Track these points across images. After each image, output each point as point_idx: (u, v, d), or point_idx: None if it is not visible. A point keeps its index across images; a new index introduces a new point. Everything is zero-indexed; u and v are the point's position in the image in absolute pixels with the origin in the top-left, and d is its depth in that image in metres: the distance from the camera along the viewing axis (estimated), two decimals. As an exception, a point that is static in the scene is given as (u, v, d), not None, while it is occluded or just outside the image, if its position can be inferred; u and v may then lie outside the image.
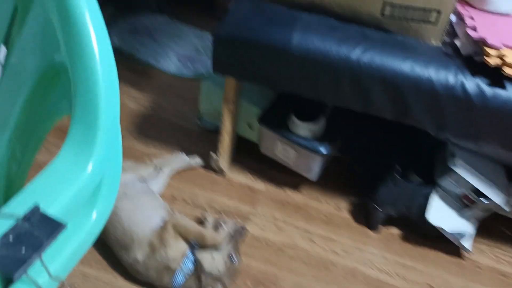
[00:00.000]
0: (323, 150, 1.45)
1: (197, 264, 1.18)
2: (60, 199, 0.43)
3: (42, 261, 0.42)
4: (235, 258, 1.24)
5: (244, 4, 1.38)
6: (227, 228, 1.23)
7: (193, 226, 1.22)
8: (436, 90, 1.22)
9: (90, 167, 0.46)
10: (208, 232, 1.20)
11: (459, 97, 1.21)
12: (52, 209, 0.42)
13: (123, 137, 1.66)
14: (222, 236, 1.21)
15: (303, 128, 1.46)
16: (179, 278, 1.18)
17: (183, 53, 2.17)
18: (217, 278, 1.19)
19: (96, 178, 0.47)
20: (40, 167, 1.53)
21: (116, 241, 1.22)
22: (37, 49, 0.53)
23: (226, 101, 1.46)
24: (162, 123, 1.77)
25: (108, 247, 1.26)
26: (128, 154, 1.61)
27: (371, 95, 1.28)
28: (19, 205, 0.41)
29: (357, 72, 1.24)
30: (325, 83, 1.29)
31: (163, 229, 1.20)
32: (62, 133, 1.63)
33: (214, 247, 1.19)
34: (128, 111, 1.80)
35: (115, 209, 1.24)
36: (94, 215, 0.50)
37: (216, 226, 1.24)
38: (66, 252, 0.47)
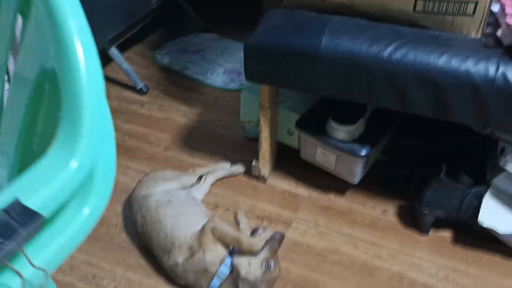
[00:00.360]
0: (362, 152, 1.42)
1: (234, 269, 1.20)
2: (41, 193, 0.47)
3: (23, 252, 0.45)
4: (272, 265, 1.23)
5: (276, 14, 1.41)
6: (265, 234, 1.24)
7: (230, 231, 1.24)
8: (475, 83, 1.16)
9: (74, 163, 0.49)
10: (245, 238, 1.21)
11: (501, 89, 1.14)
12: (32, 203, 0.46)
13: (170, 149, 1.77)
14: (259, 241, 1.21)
15: (340, 131, 1.44)
16: (216, 282, 1.20)
17: (229, 67, 2.24)
18: (253, 285, 1.19)
19: (81, 173, 0.50)
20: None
21: (159, 246, 1.27)
22: (34, 56, 0.58)
23: (262, 108, 1.48)
24: (208, 134, 1.83)
25: (152, 253, 1.32)
26: (175, 164, 1.68)
27: (406, 93, 1.24)
28: (0, 199, 0.46)
29: (390, 69, 1.22)
30: (359, 83, 1.27)
31: (202, 232, 1.23)
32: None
33: (251, 252, 1.20)
34: (176, 125, 1.88)
35: (159, 216, 1.31)
36: (86, 211, 0.54)
37: (254, 232, 1.25)
38: (54, 246, 0.51)
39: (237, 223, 1.39)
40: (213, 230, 1.22)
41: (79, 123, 0.51)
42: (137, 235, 1.39)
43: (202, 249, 1.21)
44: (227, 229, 1.24)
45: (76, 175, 0.51)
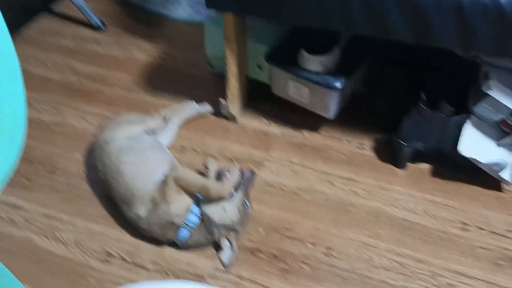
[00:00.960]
0: (337, 84, 1.32)
1: (205, 218, 1.12)
2: None
3: None
4: (247, 205, 1.17)
5: None
6: (232, 176, 1.15)
7: (195, 179, 1.14)
8: (460, 2, 1.04)
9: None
10: (212, 184, 1.13)
11: (488, 7, 1.03)
12: None
13: (132, 91, 1.64)
14: (227, 186, 1.13)
15: (313, 62, 1.33)
16: (184, 233, 1.13)
17: (194, -2, 2.05)
18: (230, 228, 1.13)
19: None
20: (49, 127, 1.54)
21: (119, 197, 1.18)
22: None
23: (228, 40, 1.35)
24: (173, 73, 1.70)
25: (113, 203, 1.23)
26: (138, 107, 1.56)
27: (385, 17, 1.12)
28: None
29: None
30: (331, 7, 1.15)
31: (164, 183, 1.13)
32: (71, 92, 1.59)
33: (220, 199, 1.12)
34: (137, 64, 1.73)
35: (118, 163, 1.20)
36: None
37: (219, 176, 1.17)
38: None
39: (206, 169, 1.29)
40: (176, 179, 1.12)
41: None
42: (99, 182, 1.29)
43: (165, 200, 1.11)
44: (192, 177, 1.15)
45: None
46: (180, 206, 1.12)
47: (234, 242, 1.14)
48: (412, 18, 1.11)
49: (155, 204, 1.12)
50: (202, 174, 1.22)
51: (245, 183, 1.17)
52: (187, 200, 1.13)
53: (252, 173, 1.19)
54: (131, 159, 1.21)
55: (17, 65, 0.46)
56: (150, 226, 1.13)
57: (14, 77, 0.46)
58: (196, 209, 1.13)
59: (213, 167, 1.26)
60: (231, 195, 1.13)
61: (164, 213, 1.11)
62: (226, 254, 1.14)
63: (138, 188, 1.15)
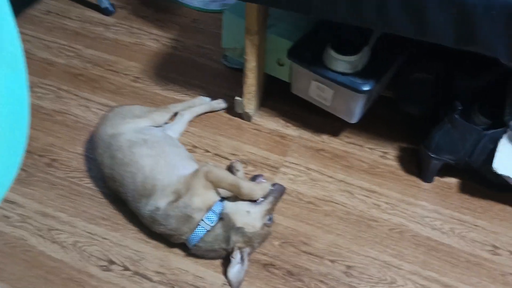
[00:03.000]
0: (365, 87, 1.21)
1: (226, 219, 1.03)
2: None
3: None
4: (272, 219, 1.10)
5: None
6: (266, 183, 1.08)
7: (228, 174, 1.09)
8: (512, 4, 0.94)
9: None
10: (244, 182, 1.07)
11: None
12: None
13: (140, 80, 1.52)
14: (260, 188, 1.06)
15: (341, 62, 1.22)
16: (199, 232, 1.04)
17: (210, -15, 1.94)
18: (249, 238, 1.04)
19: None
20: (49, 115, 1.43)
21: (135, 190, 1.09)
22: None
23: (249, 32, 1.24)
24: (184, 63, 1.59)
25: (120, 200, 1.13)
26: (146, 98, 1.46)
27: (427, 16, 1.02)
28: None
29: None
30: (370, 3, 1.04)
31: (193, 176, 1.06)
32: (75, 78, 1.48)
33: (250, 198, 1.05)
34: (147, 52, 1.62)
35: (134, 157, 1.11)
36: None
37: (254, 179, 1.10)
38: None
39: (235, 170, 1.23)
40: (208, 173, 1.05)
41: None
42: (103, 179, 1.19)
43: (189, 193, 1.04)
44: (224, 172, 1.09)
45: None
46: (204, 201, 1.05)
47: (246, 258, 1.04)
48: (455, 20, 1.01)
49: (177, 195, 1.05)
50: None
51: (275, 194, 1.08)
52: (212, 197, 1.06)
53: (283, 187, 1.11)
54: (147, 151, 1.13)
55: (20, 54, 0.36)
56: (167, 218, 1.04)
57: (16, 69, 0.36)
58: (218, 209, 1.05)
59: (239, 167, 1.22)
60: (260, 200, 1.06)
61: (184, 205, 1.03)
62: (234, 270, 1.04)
63: (159, 179, 1.07)
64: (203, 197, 1.05)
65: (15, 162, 0.37)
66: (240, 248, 1.04)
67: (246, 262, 1.04)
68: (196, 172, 1.07)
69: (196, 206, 1.03)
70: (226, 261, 1.07)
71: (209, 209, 1.05)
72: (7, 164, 0.36)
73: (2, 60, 0.35)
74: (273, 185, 1.09)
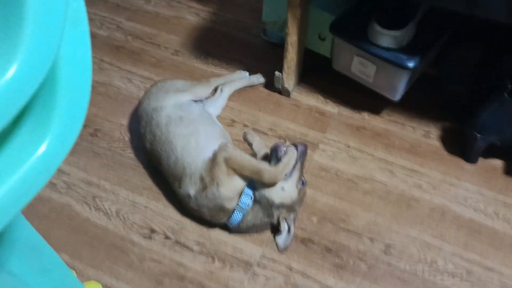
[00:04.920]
0: (410, 63, 1.18)
1: (263, 200, 1.03)
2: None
3: None
4: (305, 182, 1.09)
5: None
6: (288, 156, 1.04)
7: (248, 160, 1.02)
8: None
9: (12, 66, 0.28)
10: (266, 168, 1.01)
11: None
12: None
13: (180, 53, 1.53)
14: (281, 169, 1.01)
15: (386, 37, 1.18)
16: (237, 216, 1.04)
17: (249, -42, 1.91)
18: (290, 208, 1.05)
19: (26, 83, 0.29)
20: (93, 86, 1.45)
21: (169, 171, 1.09)
22: None
23: (291, 5, 1.22)
24: (224, 37, 1.58)
25: (158, 174, 1.15)
26: (185, 71, 1.46)
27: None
28: None
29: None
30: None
31: (213, 163, 1.02)
32: (117, 51, 1.50)
33: (274, 183, 1.02)
34: (187, 25, 1.62)
35: (168, 135, 1.10)
36: (41, 147, 0.33)
37: (273, 152, 1.05)
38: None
39: (249, 144, 1.16)
40: (227, 160, 1.01)
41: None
42: (144, 152, 1.22)
43: (215, 183, 1.01)
44: (244, 158, 1.03)
45: (17, 85, 0.30)
46: (232, 189, 1.02)
47: (292, 225, 1.06)
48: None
49: (204, 184, 1.02)
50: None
51: (301, 159, 1.07)
52: (239, 183, 1.03)
53: (305, 146, 1.08)
54: (182, 130, 1.10)
55: (83, 10, 0.36)
56: (200, 208, 1.05)
57: (79, 22, 0.36)
58: (249, 191, 1.03)
59: (254, 138, 1.15)
60: (287, 176, 1.04)
61: (214, 196, 1.02)
62: (283, 237, 1.06)
63: (188, 163, 1.05)
64: (230, 185, 1.02)
65: (80, 119, 0.38)
66: (285, 218, 1.05)
67: (292, 228, 1.06)
68: (216, 159, 1.02)
69: (225, 196, 1.01)
70: (273, 230, 1.09)
71: (240, 194, 1.03)
72: (73, 120, 0.37)
73: (67, 17, 0.35)
74: (295, 147, 1.05)
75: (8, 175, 0.31)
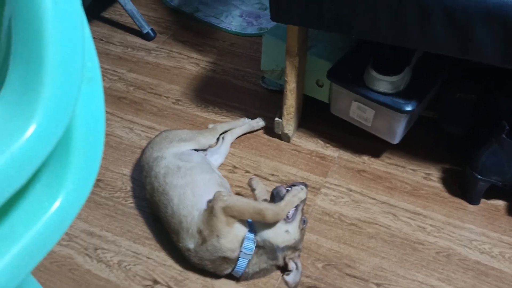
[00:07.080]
0: (408, 107, 1.20)
1: (266, 244, 1.02)
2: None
3: None
4: (306, 221, 1.09)
5: None
6: (291, 195, 1.03)
7: (248, 203, 1.01)
8: None
9: (31, 125, 0.29)
10: (267, 207, 1.00)
11: None
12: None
13: (181, 102, 1.56)
14: (283, 207, 1.01)
15: (383, 82, 1.22)
16: (242, 263, 1.02)
17: (246, 9, 1.99)
18: (293, 248, 1.04)
19: (45, 141, 0.30)
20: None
21: (168, 224, 1.08)
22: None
23: (289, 54, 1.26)
24: (223, 86, 1.62)
25: (160, 223, 1.14)
26: (186, 120, 1.48)
27: (471, 35, 1.01)
28: None
29: (451, 3, 0.98)
30: (410, 20, 1.04)
31: (211, 214, 1.00)
32: (118, 101, 1.53)
33: (277, 221, 1.02)
34: (187, 75, 1.66)
35: (166, 187, 1.09)
36: (56, 203, 0.34)
37: (274, 195, 1.05)
38: (7, 256, 0.31)
39: (252, 190, 1.17)
40: (225, 209, 0.99)
41: (39, 60, 0.30)
42: (146, 202, 1.21)
43: (215, 234, 0.99)
44: (242, 202, 1.01)
45: (36, 144, 0.31)
46: (233, 239, 1.00)
47: (299, 263, 1.05)
48: (500, 38, 0.99)
49: (203, 237, 1.00)
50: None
51: (302, 199, 1.07)
52: (240, 231, 1.01)
53: (305, 185, 1.08)
54: (178, 181, 1.09)
55: (97, 68, 0.38)
56: (201, 261, 1.03)
57: (94, 83, 0.38)
58: (251, 235, 1.02)
59: (258, 184, 1.16)
60: (289, 216, 1.03)
61: (215, 249, 0.99)
62: (292, 275, 1.04)
63: (184, 216, 1.04)
64: (230, 235, 0.99)
65: (93, 174, 0.38)
66: (291, 258, 1.04)
67: (299, 264, 1.05)
68: (212, 210, 0.99)
69: (226, 248, 0.99)
70: (281, 269, 1.07)
71: (242, 243, 1.01)
72: (87, 176, 0.37)
73: (82, 76, 0.36)
74: (295, 186, 1.05)
75: (23, 232, 0.32)
